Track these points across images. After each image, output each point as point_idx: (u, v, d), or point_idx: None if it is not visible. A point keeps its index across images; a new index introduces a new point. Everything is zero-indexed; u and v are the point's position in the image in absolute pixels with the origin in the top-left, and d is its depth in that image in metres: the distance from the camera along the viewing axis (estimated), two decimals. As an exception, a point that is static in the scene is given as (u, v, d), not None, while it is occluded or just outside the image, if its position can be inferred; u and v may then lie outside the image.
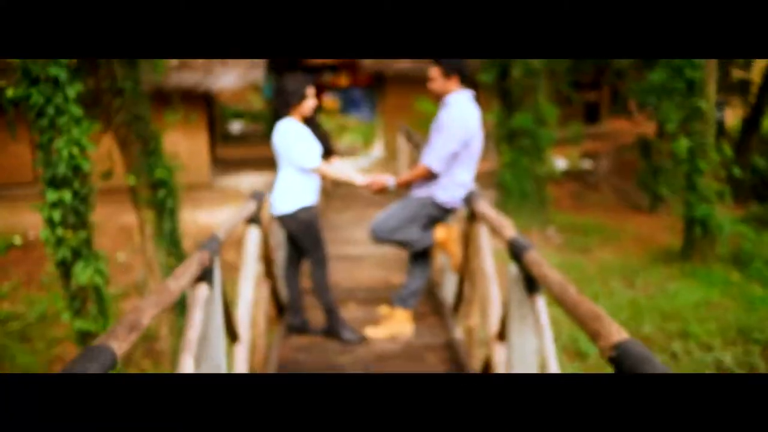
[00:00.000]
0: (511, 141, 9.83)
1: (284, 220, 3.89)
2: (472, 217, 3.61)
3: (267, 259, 4.01)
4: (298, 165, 3.79)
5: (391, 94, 15.14)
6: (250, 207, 3.48)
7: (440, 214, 3.94)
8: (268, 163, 14.44)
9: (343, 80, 18.06)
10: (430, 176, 3.82)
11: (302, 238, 3.92)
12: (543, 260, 2.24)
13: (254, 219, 3.53)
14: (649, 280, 8.52)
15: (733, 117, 14.49)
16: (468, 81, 3.87)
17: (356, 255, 6.23)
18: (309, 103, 3.85)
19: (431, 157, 3.77)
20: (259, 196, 3.73)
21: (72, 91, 3.30)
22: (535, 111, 9.68)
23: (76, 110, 3.31)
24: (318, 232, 3.96)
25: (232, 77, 11.81)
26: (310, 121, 3.95)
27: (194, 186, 12.48)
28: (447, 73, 3.76)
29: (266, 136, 17.28)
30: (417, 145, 7.69)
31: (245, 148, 17.57)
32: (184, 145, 12.45)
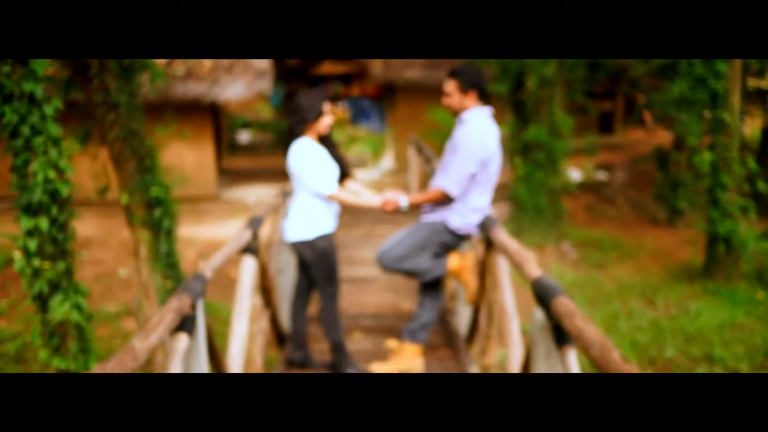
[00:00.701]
0: (525, 154, 9.50)
1: (300, 247, 3.61)
2: (489, 245, 3.29)
3: (265, 289, 3.71)
4: (312, 191, 3.53)
5: (402, 104, 14.85)
6: (245, 236, 3.17)
7: (453, 240, 3.63)
8: (276, 175, 14.24)
9: (353, 90, 17.80)
10: (445, 200, 3.52)
11: (317, 268, 3.63)
12: (576, 310, 1.91)
13: (250, 248, 3.22)
14: (669, 298, 8.17)
15: (750, 126, 14.11)
16: (486, 96, 3.57)
17: (363, 277, 5.91)
18: (326, 121, 3.60)
19: (448, 180, 3.47)
20: (255, 223, 3.42)
21: (49, 109, 3.02)
22: (549, 122, 9.35)
23: (54, 129, 3.03)
24: (334, 264, 3.67)
25: (239, 87, 11.57)
26: (326, 140, 3.69)
27: (200, 198, 12.23)
28: (464, 88, 3.46)
29: (275, 146, 17.07)
30: (428, 159, 7.38)
31: (253, 159, 17.32)
32: (190, 156, 12.22)
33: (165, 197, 4.93)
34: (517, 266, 2.58)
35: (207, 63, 11.68)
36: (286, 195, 4.49)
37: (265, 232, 4.04)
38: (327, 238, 3.62)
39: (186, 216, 11.72)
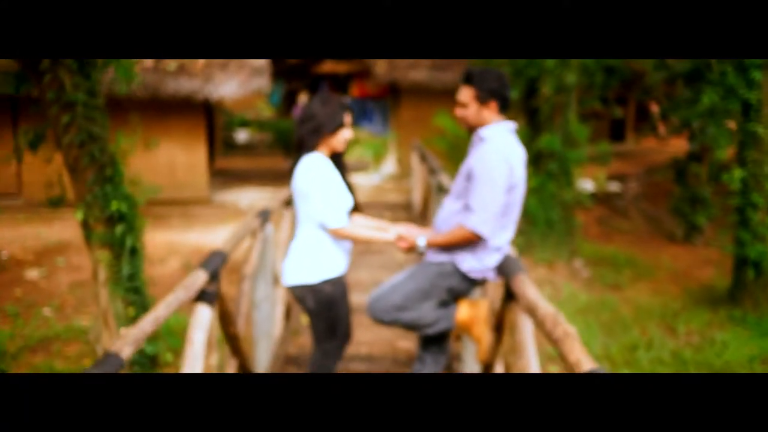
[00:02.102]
0: (536, 164, 8.83)
1: (299, 293, 2.96)
2: (510, 296, 2.62)
3: (231, 337, 3.03)
4: (318, 221, 2.89)
5: (406, 107, 14.19)
6: (197, 281, 2.45)
7: (465, 286, 2.93)
8: (272, 177, 13.61)
9: (356, 90, 17.13)
10: (475, 242, 2.85)
11: (317, 318, 2.97)
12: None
13: (205, 295, 2.50)
14: (691, 326, 7.50)
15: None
16: (508, 108, 2.89)
17: (356, 305, 5.14)
18: (344, 135, 2.98)
19: (477, 218, 2.73)
20: (214, 262, 2.69)
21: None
22: (564, 131, 8.68)
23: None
24: (340, 315, 3.00)
25: (234, 85, 10.91)
26: (338, 160, 3.05)
27: (191, 201, 11.59)
28: (483, 98, 2.79)
29: (273, 146, 16.42)
30: (432, 171, 6.73)
31: (251, 159, 16.67)
32: (181, 156, 11.58)
33: (129, 211, 4.26)
34: (551, 340, 1.91)
35: (200, 59, 11.03)
36: (264, 217, 3.81)
37: (239, 254, 3.37)
38: (335, 282, 2.96)
39: (175, 220, 11.08)
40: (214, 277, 2.57)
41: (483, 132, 2.82)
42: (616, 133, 18.42)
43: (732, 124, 8.13)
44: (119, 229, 4.24)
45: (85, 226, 4.28)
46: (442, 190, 5.54)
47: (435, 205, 6.28)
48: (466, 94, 2.82)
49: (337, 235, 2.91)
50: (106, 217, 4.23)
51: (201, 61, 10.98)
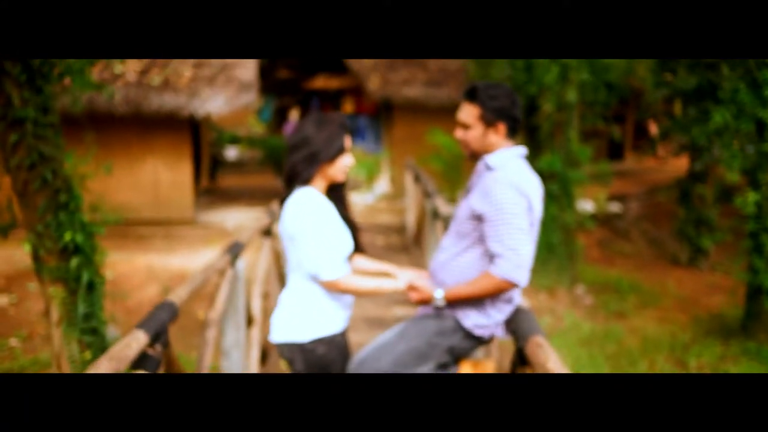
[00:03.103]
0: (537, 185, 8.36)
1: (287, 352, 2.47)
2: (522, 359, 2.14)
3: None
4: (310, 272, 2.41)
5: (400, 124, 13.76)
6: (134, 345, 1.89)
7: (468, 345, 2.43)
8: (262, 196, 13.12)
9: (348, 106, 16.70)
10: (509, 291, 2.34)
11: None
12: None
13: (145, 362, 1.96)
14: (703, 359, 7.02)
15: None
16: (517, 130, 2.43)
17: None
18: (345, 162, 2.50)
19: (509, 263, 2.25)
20: (160, 318, 2.16)
21: None
22: (565, 150, 8.25)
23: None
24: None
25: (220, 100, 10.46)
26: (337, 192, 2.59)
27: (175, 222, 11.10)
28: (490, 119, 2.34)
29: (263, 163, 15.93)
30: (427, 194, 6.27)
31: (240, 177, 16.19)
32: (166, 175, 11.10)
33: (86, 242, 3.77)
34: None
35: (186, 74, 10.59)
36: (234, 253, 3.32)
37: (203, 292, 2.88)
38: (329, 342, 2.48)
39: (157, 241, 10.57)
40: (157, 337, 2.07)
41: (490, 159, 2.36)
42: (615, 151, 18.06)
43: (736, 144, 7.72)
44: (74, 262, 3.75)
45: (36, 258, 3.79)
46: (437, 216, 5.07)
47: (430, 230, 5.82)
48: (469, 113, 2.36)
49: (333, 289, 2.42)
50: (60, 249, 3.74)
51: (186, 76, 10.55)
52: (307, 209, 2.39)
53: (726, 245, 10.23)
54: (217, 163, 15.14)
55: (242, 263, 3.41)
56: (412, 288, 2.43)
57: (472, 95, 2.37)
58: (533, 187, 2.34)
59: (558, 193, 8.44)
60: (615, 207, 12.90)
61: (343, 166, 2.50)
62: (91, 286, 3.86)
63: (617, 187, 14.34)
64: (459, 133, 2.42)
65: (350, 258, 2.63)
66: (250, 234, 3.81)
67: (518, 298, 2.45)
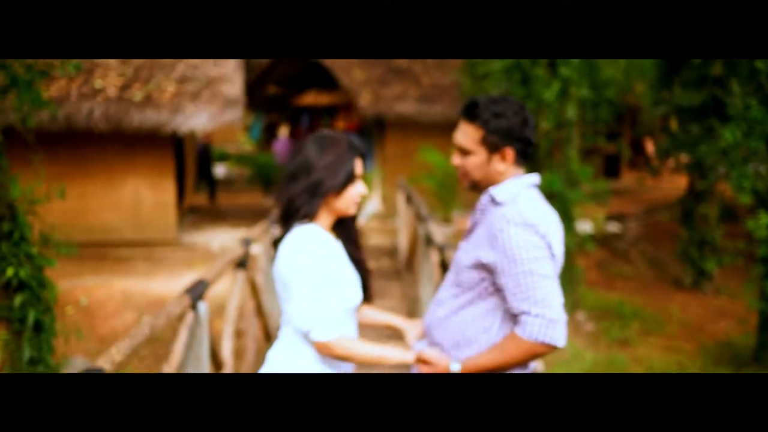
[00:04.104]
0: (536, 206, 7.95)
1: None
2: None
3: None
4: (300, 330, 1.96)
5: (392, 141, 13.37)
6: None
7: None
8: (251, 215, 12.63)
9: (339, 123, 16.31)
10: (541, 354, 1.85)
11: None
12: None
13: None
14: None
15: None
16: (531, 157, 2.01)
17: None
18: (356, 191, 2.06)
19: (540, 321, 1.80)
20: None
21: None
22: (565, 170, 7.85)
23: None
24: None
25: (204, 117, 10.03)
26: (347, 228, 2.16)
27: (157, 243, 10.64)
28: (495, 142, 1.92)
29: (252, 181, 15.49)
30: (421, 217, 5.83)
31: (228, 195, 15.73)
32: (148, 194, 10.66)
33: (33, 277, 3.32)
34: None
35: (169, 89, 10.18)
36: (196, 295, 2.87)
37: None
38: None
39: (138, 264, 10.08)
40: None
41: (496, 192, 1.93)
42: (611, 169, 17.72)
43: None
44: (18, 299, 3.29)
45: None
46: (431, 243, 4.64)
47: (423, 257, 5.38)
48: (468, 135, 1.93)
49: (325, 352, 1.95)
50: (2, 285, 3.29)
51: (169, 91, 10.14)
52: (304, 253, 1.94)
53: (730, 268, 9.84)
54: (214, 183, 14.66)
55: (204, 306, 2.95)
56: (422, 360, 1.96)
57: (471, 113, 1.93)
58: (552, 225, 1.91)
59: (558, 214, 8.03)
60: (613, 227, 12.51)
61: (354, 196, 2.04)
62: (39, 327, 3.40)
63: (615, 206, 13.96)
64: (457, 160, 1.99)
65: (358, 309, 2.18)
66: (218, 268, 3.35)
67: (534, 363, 2.01)
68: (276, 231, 2.05)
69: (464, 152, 1.96)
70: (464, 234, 2.07)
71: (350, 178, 2.01)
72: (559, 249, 1.90)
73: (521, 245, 1.79)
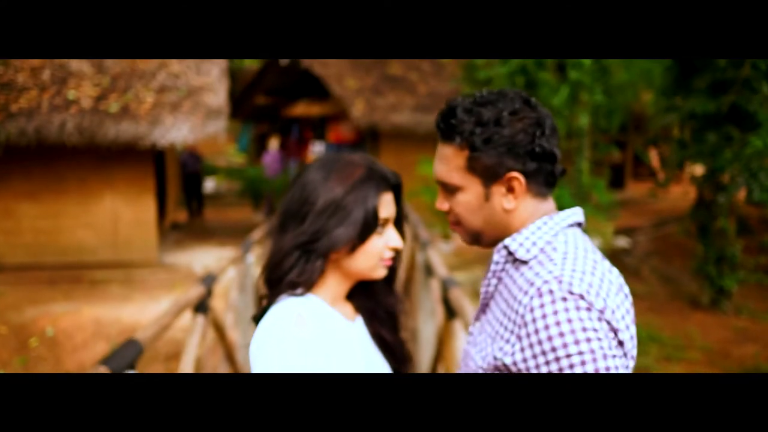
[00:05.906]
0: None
1: None
2: None
3: None
4: None
5: (387, 153, 12.73)
6: None
7: None
8: (240, 232, 11.94)
9: (331, 134, 15.67)
10: None
11: None
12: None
13: None
14: None
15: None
16: (555, 180, 1.25)
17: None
18: (383, 242, 1.34)
19: None
20: None
21: None
22: (576, 183, 7.18)
23: None
24: None
25: (185, 129, 9.37)
26: (375, 298, 1.45)
27: (136, 264, 9.94)
28: (488, 168, 1.18)
29: (241, 195, 14.83)
30: (419, 241, 5.15)
31: (216, 211, 15.04)
32: (126, 212, 9.99)
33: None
34: None
35: (148, 99, 9.51)
36: (126, 358, 2.17)
37: None
38: None
39: (114, 287, 9.34)
40: None
41: (515, 245, 1.20)
42: (615, 179, 17.08)
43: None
44: None
45: None
46: (431, 274, 3.95)
47: (422, 287, 4.70)
48: (449, 162, 1.22)
49: None
50: None
51: (148, 102, 9.47)
52: (282, 344, 1.24)
53: (748, 285, 9.18)
54: (201, 198, 13.95)
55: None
56: None
57: (448, 127, 1.21)
58: (614, 291, 1.19)
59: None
60: (622, 242, 11.84)
61: (378, 251, 1.34)
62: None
63: (622, 219, 13.33)
64: (443, 204, 1.28)
65: None
66: (163, 321, 2.61)
67: None
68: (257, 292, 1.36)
69: (448, 189, 1.25)
70: (474, 314, 1.35)
71: (370, 225, 1.31)
72: (630, 332, 1.18)
73: (565, 331, 1.08)
